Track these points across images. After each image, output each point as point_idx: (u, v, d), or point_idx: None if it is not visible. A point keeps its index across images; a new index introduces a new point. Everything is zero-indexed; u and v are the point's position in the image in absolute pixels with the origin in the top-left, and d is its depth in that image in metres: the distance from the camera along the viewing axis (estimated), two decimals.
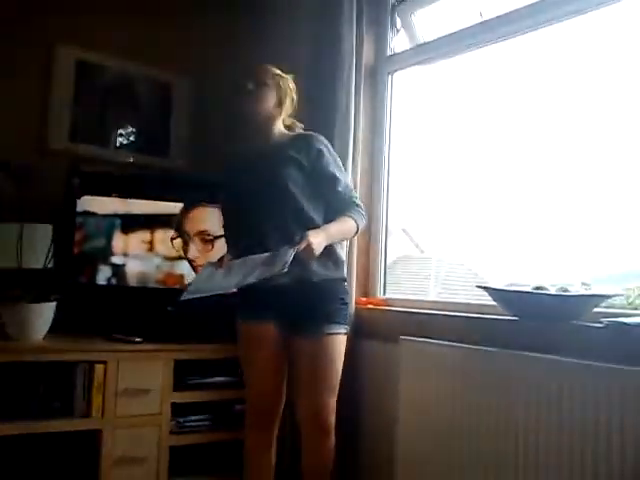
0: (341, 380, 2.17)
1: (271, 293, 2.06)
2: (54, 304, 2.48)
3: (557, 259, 2.19)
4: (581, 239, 2.14)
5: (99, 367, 2.42)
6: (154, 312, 2.73)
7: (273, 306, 2.10)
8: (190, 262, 2.83)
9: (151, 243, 2.79)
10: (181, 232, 2.83)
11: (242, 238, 2.18)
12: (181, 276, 2.80)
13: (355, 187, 2.63)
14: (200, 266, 2.75)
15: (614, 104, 2.07)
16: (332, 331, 2.09)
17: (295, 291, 2.07)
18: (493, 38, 2.42)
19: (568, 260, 2.16)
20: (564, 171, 2.19)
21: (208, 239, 2.85)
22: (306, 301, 2.08)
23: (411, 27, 2.82)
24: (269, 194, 2.11)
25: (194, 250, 2.83)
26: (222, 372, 2.68)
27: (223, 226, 2.35)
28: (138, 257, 2.77)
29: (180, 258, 2.81)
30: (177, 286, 2.75)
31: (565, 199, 2.19)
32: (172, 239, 2.81)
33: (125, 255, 2.75)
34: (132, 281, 2.75)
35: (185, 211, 2.85)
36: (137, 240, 2.78)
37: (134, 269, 2.75)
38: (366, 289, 2.75)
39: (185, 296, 2.04)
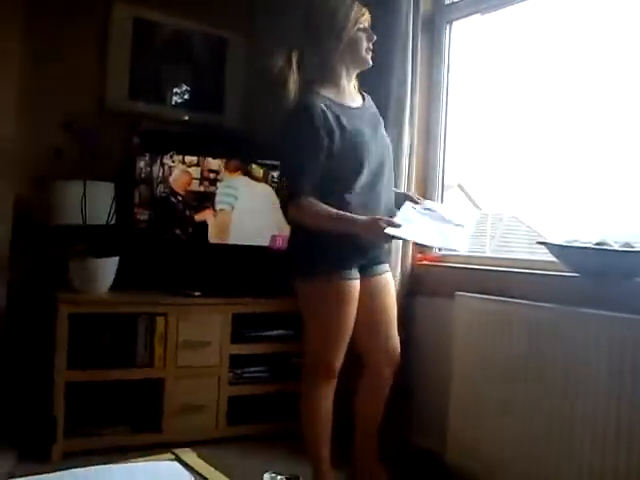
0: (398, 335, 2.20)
1: (361, 248, 2.05)
2: (117, 259, 2.57)
3: (618, 214, 2.11)
4: None
5: (160, 319, 2.51)
6: (212, 267, 2.79)
7: (359, 260, 2.06)
8: None
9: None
10: None
11: (355, 195, 1.99)
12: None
13: (412, 141, 2.60)
14: None
15: None
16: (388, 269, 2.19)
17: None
18: None
19: (630, 216, 2.08)
20: (628, 125, 2.09)
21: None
22: (375, 246, 2.10)
23: None
24: (386, 164, 2.08)
25: None
26: (278, 325, 2.75)
27: (310, 166, 1.98)
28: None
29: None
30: (233, 242, 2.80)
31: (628, 153, 2.09)
32: None
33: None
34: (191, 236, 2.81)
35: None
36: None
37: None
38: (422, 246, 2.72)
39: (390, 232, 1.90)
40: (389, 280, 2.18)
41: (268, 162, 2.86)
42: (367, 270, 2.09)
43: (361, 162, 2.00)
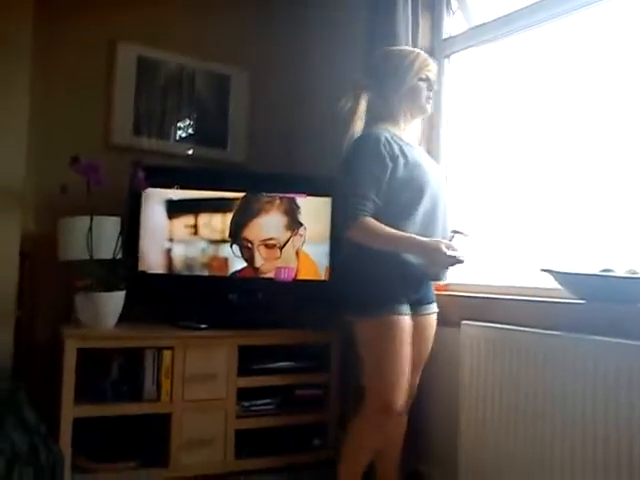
0: None
1: (415, 283, 2.14)
2: (124, 293, 2.58)
3: (621, 243, 2.13)
4: None
5: (167, 353, 2.50)
6: (218, 300, 2.80)
7: (412, 296, 2.12)
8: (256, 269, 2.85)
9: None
10: (239, 239, 2.83)
11: (414, 223, 2.09)
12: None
13: None
14: (265, 273, 2.82)
15: None
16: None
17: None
18: (550, 17, 2.37)
19: (634, 242, 2.10)
20: (628, 152, 2.13)
21: (273, 245, 2.86)
22: (427, 282, 2.21)
23: (467, 9, 2.79)
24: (442, 197, 2.20)
25: (259, 258, 2.85)
26: (284, 357, 2.75)
27: (373, 189, 2.06)
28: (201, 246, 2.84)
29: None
30: (241, 275, 2.82)
31: (630, 181, 2.12)
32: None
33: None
34: (197, 270, 2.81)
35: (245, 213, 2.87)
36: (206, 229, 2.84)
37: (201, 259, 2.82)
38: None
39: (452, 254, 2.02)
40: (435, 321, 2.24)
41: (274, 194, 2.88)
42: (419, 308, 2.14)
43: (422, 191, 2.10)
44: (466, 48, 2.75)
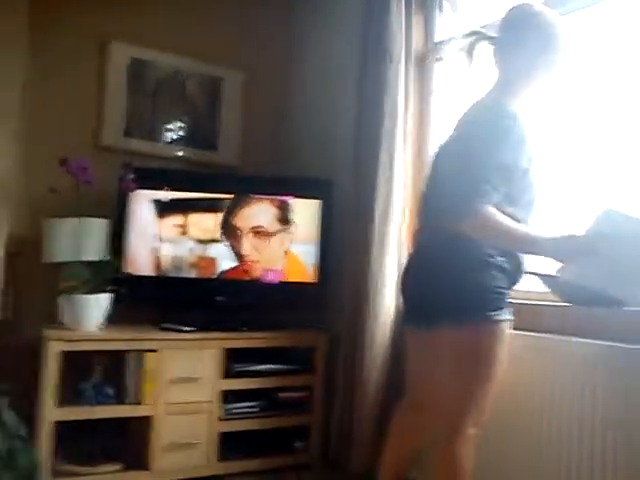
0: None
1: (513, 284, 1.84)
2: (109, 295, 2.56)
3: None
4: None
5: (150, 356, 2.49)
6: (205, 302, 2.79)
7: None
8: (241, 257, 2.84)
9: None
10: (228, 227, 2.84)
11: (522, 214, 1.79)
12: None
13: (405, 177, 2.63)
14: (253, 261, 2.78)
15: None
16: None
17: None
18: None
19: None
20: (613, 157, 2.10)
21: (263, 233, 2.85)
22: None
23: (459, 12, 2.76)
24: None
25: (247, 246, 2.83)
26: (269, 360, 2.73)
27: (501, 177, 1.70)
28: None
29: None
30: (229, 276, 2.80)
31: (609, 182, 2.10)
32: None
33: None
34: (185, 272, 2.80)
35: (235, 205, 2.86)
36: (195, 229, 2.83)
37: (189, 259, 2.81)
38: None
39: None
40: None
41: (264, 196, 2.86)
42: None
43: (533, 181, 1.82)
44: (458, 51, 2.72)
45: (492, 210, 1.67)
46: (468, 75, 1.94)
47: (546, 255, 1.74)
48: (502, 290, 1.76)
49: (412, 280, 1.91)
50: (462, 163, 1.74)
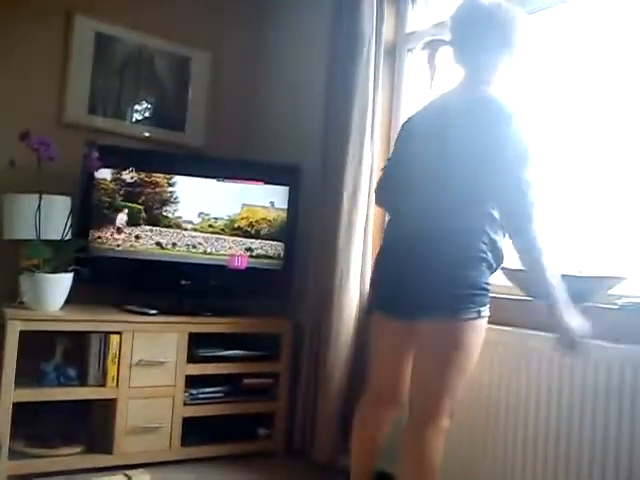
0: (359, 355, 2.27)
1: None
2: (71, 275, 2.51)
3: (570, 243, 2.18)
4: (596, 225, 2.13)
5: (114, 337, 2.45)
6: (170, 285, 2.76)
7: None
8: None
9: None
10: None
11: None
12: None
13: (373, 162, 2.64)
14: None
15: None
16: None
17: None
18: None
19: (581, 245, 2.15)
20: (586, 150, 2.17)
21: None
22: None
23: (430, 3, 2.80)
24: None
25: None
26: (235, 346, 2.72)
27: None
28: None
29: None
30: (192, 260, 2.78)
31: (580, 183, 2.17)
32: None
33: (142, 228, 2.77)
34: (148, 254, 2.76)
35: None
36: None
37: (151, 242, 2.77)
38: None
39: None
40: None
41: (231, 179, 2.85)
42: None
43: None
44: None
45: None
46: (431, 80, 1.93)
47: (551, 304, 1.72)
48: (489, 286, 1.79)
49: (397, 269, 1.87)
50: (512, 161, 1.73)
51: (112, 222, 2.73)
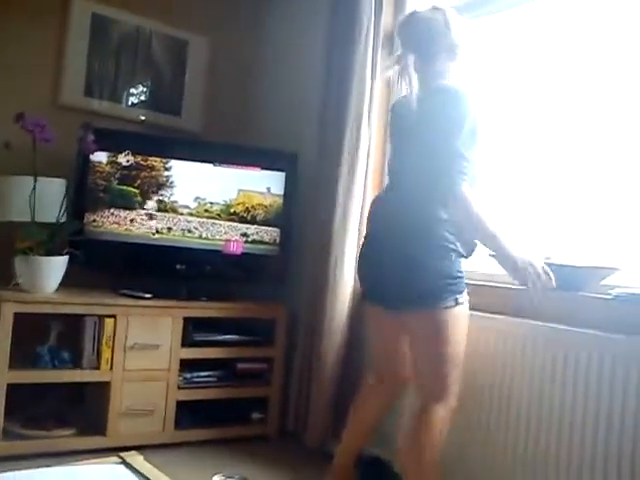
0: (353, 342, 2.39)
1: None
2: (66, 258, 2.51)
3: (563, 233, 2.19)
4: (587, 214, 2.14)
5: (109, 321, 2.46)
6: (166, 270, 2.76)
7: None
8: None
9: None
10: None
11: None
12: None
13: (370, 142, 2.63)
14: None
15: None
16: None
17: None
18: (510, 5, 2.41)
19: (574, 235, 2.16)
20: (577, 145, 2.18)
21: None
22: None
23: None
24: None
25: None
26: (229, 330, 2.73)
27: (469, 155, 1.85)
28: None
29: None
30: (187, 244, 2.78)
31: (574, 174, 2.18)
32: None
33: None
34: (143, 238, 2.76)
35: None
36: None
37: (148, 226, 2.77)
38: None
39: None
40: None
41: (227, 164, 2.84)
42: None
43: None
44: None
45: (468, 189, 1.79)
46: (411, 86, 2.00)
47: (502, 264, 1.84)
48: (462, 274, 1.91)
49: (377, 263, 1.97)
50: (441, 138, 1.85)
51: (107, 205, 2.72)
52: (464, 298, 1.91)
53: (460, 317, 1.90)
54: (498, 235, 1.81)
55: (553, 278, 1.79)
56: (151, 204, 2.78)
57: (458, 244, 1.88)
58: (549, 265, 1.88)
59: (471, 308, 2.03)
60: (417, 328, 1.91)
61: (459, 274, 1.89)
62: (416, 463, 1.86)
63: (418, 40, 2.00)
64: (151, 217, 2.77)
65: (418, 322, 1.90)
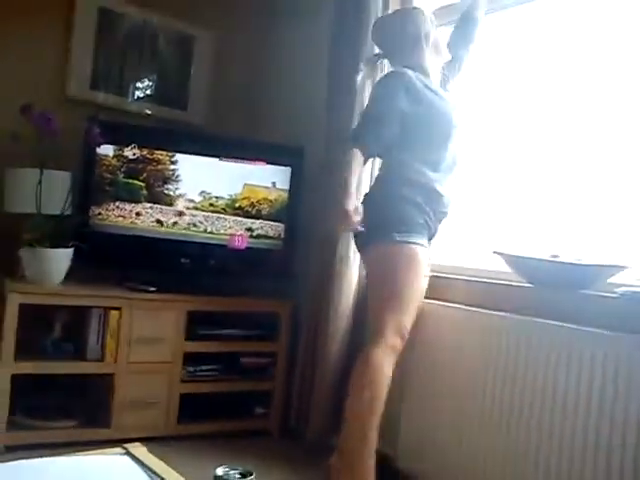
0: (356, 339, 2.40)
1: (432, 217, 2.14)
2: (71, 250, 2.51)
3: (570, 231, 2.19)
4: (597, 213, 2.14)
5: (114, 313, 2.46)
6: (170, 263, 2.76)
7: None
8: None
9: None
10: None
11: (431, 170, 2.12)
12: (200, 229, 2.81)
13: None
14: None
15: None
16: None
17: None
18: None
19: (581, 232, 2.16)
20: (583, 144, 2.18)
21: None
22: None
23: None
24: (457, 148, 2.20)
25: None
26: (233, 325, 2.74)
27: (379, 123, 2.11)
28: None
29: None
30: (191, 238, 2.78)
31: (581, 172, 2.17)
32: None
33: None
34: (148, 231, 2.76)
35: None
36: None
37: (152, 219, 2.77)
38: None
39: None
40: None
41: (233, 159, 2.84)
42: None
43: (448, 137, 2.14)
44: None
45: (356, 152, 2.06)
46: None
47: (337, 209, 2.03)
48: (411, 219, 2.06)
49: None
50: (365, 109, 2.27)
51: (113, 198, 2.72)
52: (405, 239, 2.03)
53: (396, 255, 2.04)
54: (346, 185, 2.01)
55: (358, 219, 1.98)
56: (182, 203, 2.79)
57: (419, 198, 2.08)
58: (558, 262, 1.88)
59: (480, 306, 2.04)
60: (364, 263, 2.26)
61: (403, 218, 2.06)
62: (354, 401, 2.01)
63: (382, 42, 2.35)
64: (181, 214, 2.79)
65: (363, 258, 2.24)
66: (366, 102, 2.57)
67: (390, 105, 2.09)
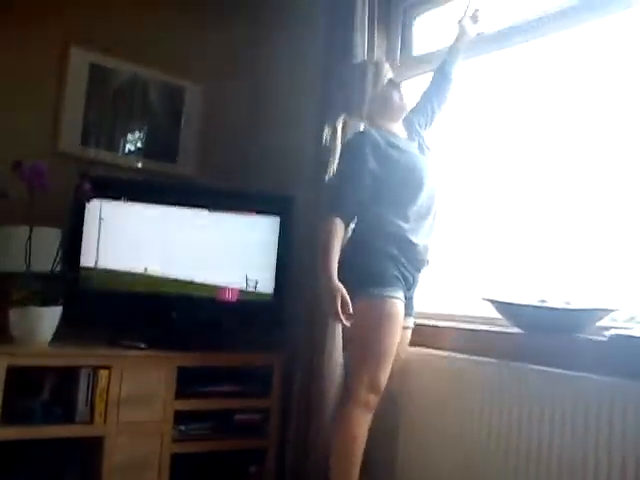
0: None
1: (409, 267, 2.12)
2: (60, 308, 2.49)
3: (558, 275, 2.16)
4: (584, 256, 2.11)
5: (103, 372, 2.42)
6: (160, 319, 2.73)
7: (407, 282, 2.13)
8: None
9: None
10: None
11: (404, 221, 2.12)
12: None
13: None
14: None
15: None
16: None
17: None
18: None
19: (568, 276, 2.13)
20: (573, 184, 2.17)
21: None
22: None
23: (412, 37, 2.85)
24: (431, 196, 2.18)
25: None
26: (224, 381, 2.68)
27: (350, 188, 2.13)
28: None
29: None
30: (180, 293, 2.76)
31: (567, 215, 2.16)
32: None
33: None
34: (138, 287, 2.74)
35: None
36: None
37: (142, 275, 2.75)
38: None
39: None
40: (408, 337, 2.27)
41: (222, 210, 2.84)
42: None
43: (419, 187, 2.13)
44: (416, 75, 2.77)
45: (335, 221, 2.06)
46: None
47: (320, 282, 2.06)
48: (386, 271, 2.06)
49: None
50: (333, 177, 2.30)
51: None
52: (384, 293, 2.03)
53: (376, 311, 2.03)
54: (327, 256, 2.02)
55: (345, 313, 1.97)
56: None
57: (395, 251, 2.08)
58: (546, 307, 1.85)
59: (472, 353, 2.00)
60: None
61: (381, 272, 2.05)
62: (332, 461, 2.07)
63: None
64: None
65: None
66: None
67: (360, 168, 2.10)
